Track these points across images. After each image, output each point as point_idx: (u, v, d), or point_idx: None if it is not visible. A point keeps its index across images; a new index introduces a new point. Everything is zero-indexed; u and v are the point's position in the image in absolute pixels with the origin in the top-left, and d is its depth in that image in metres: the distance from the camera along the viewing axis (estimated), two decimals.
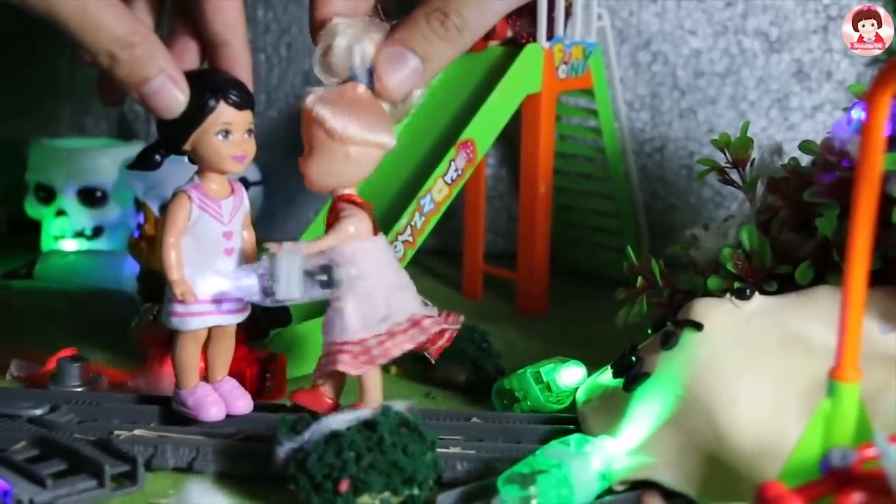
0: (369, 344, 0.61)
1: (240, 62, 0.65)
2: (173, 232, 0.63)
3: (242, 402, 0.67)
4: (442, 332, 0.63)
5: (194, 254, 0.63)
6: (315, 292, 0.62)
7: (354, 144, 0.61)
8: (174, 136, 0.63)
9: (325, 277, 0.61)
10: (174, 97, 0.61)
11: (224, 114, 0.62)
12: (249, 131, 0.64)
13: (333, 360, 0.61)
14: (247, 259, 0.66)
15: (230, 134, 0.63)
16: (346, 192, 0.63)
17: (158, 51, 0.60)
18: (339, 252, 0.62)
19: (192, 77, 0.62)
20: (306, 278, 0.61)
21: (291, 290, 0.61)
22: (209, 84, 0.63)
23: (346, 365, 0.61)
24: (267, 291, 0.61)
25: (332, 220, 0.63)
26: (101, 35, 0.58)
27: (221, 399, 0.67)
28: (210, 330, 0.66)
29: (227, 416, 0.67)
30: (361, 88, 0.62)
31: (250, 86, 0.65)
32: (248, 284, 0.62)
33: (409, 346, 0.62)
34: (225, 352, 0.67)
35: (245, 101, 0.63)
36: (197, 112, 0.62)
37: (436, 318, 0.63)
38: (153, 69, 0.60)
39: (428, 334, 0.63)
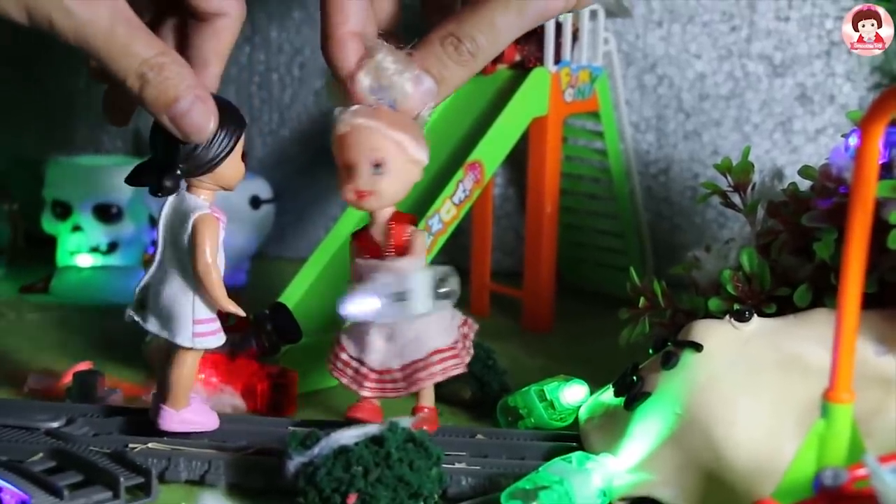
0: (460, 346, 0.68)
1: (211, 87, 0.66)
2: (212, 254, 0.63)
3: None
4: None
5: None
6: (439, 305, 0.65)
7: (420, 167, 0.66)
8: (208, 161, 0.63)
9: (447, 289, 0.65)
10: (206, 118, 0.61)
11: (244, 135, 0.64)
12: None
13: (444, 367, 0.67)
14: None
15: (244, 154, 0.65)
16: (395, 210, 0.67)
17: (188, 72, 0.61)
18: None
19: None
20: (431, 292, 0.65)
21: (424, 304, 0.64)
22: (230, 108, 0.64)
23: (457, 367, 0.67)
24: (394, 309, 0.64)
25: (400, 238, 0.66)
26: (131, 58, 0.59)
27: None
28: None
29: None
30: (391, 109, 0.65)
31: None
32: (375, 305, 0.65)
33: (471, 344, 0.69)
34: None
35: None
36: (232, 135, 0.63)
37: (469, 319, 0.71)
38: (183, 90, 0.60)
39: (473, 330, 0.70)
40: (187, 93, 0.60)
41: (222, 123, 0.62)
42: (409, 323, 0.66)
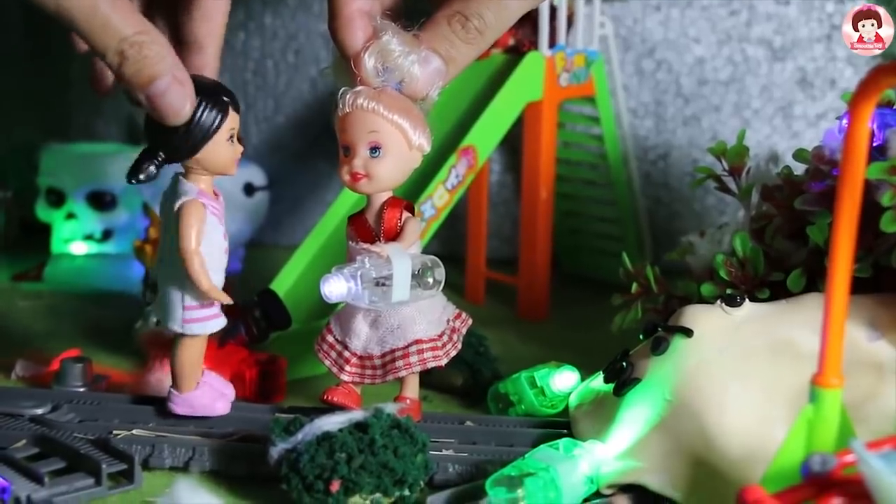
0: (445, 338, 0.66)
1: (210, 67, 0.67)
2: (196, 239, 0.63)
3: (228, 391, 0.69)
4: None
5: (207, 259, 0.64)
6: (420, 293, 0.64)
7: (420, 153, 0.65)
8: (187, 145, 0.62)
9: (430, 279, 0.63)
10: (182, 100, 0.60)
11: (233, 119, 0.63)
12: None
13: (422, 359, 0.65)
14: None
15: (233, 138, 0.64)
16: (391, 195, 0.66)
17: (167, 53, 0.60)
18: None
19: None
20: (413, 280, 0.63)
21: (404, 292, 0.63)
22: (213, 91, 0.63)
23: (437, 360, 0.65)
24: (373, 293, 0.62)
25: (392, 224, 0.65)
26: (111, 34, 0.59)
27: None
28: None
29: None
30: (395, 92, 0.64)
31: None
32: (350, 287, 0.62)
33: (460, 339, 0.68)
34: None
35: (238, 104, 0.64)
36: (214, 119, 0.62)
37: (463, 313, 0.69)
38: (162, 69, 0.60)
39: (466, 325, 0.69)
40: (165, 73, 0.60)
41: (203, 105, 0.61)
42: (394, 310, 0.65)
